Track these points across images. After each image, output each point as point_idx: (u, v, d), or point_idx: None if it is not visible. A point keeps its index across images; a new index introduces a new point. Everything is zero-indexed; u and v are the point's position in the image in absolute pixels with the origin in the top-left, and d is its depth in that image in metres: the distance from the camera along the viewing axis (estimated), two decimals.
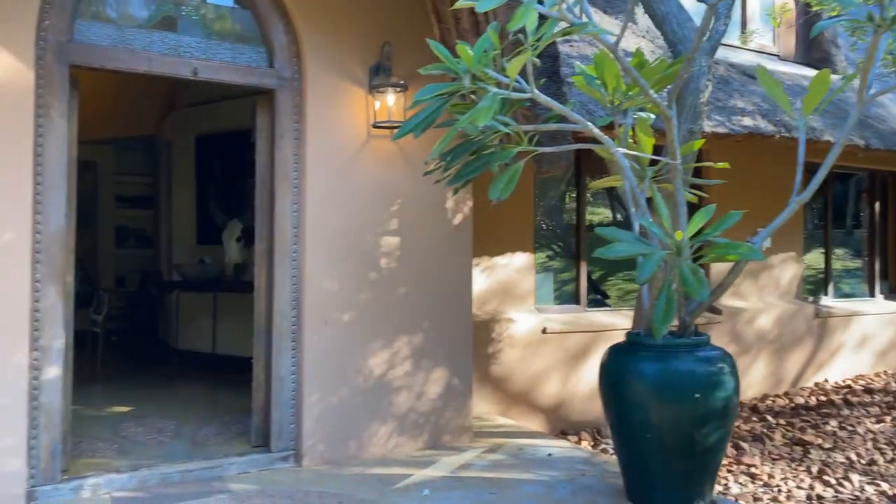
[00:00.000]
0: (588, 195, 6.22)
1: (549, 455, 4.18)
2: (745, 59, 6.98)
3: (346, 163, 4.08)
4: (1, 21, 3.22)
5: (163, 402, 5.19)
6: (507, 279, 5.54)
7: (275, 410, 3.94)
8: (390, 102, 4.05)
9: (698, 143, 3.82)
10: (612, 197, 6.83)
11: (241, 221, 6.22)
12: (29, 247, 3.30)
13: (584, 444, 5.30)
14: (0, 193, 3.23)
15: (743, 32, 7.60)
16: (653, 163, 3.62)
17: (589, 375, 5.84)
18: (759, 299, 6.89)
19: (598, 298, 6.29)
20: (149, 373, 6.50)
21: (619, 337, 5.98)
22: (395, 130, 4.10)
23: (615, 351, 3.38)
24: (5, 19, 3.23)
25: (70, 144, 3.58)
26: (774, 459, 4.83)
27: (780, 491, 4.25)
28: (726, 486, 4.31)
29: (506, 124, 3.22)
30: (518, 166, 3.30)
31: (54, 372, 3.39)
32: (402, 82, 4.03)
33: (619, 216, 7.17)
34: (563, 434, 5.50)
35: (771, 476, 4.48)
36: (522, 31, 2.82)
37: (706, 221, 3.12)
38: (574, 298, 6.04)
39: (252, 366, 4.14)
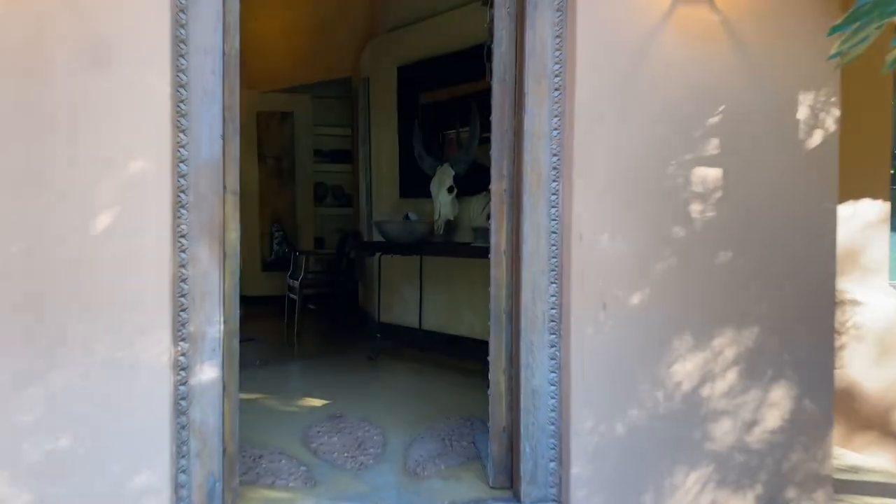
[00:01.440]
0: None
1: None
2: None
3: (635, 48, 2.51)
4: None
5: (363, 397, 4.06)
6: (847, 240, 3.67)
7: (525, 438, 2.55)
8: None
9: None
10: None
11: (454, 167, 4.91)
12: (168, 183, 2.14)
13: None
14: (124, 100, 2.08)
15: None
16: None
17: None
18: None
19: None
20: (348, 350, 5.50)
21: None
22: None
23: None
24: None
25: (228, 28, 2.36)
26: None
27: None
28: None
29: None
30: None
31: (210, 373, 2.25)
32: None
33: None
34: None
35: None
36: None
37: None
38: None
39: (479, 356, 2.79)
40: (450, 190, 4.88)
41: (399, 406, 3.84)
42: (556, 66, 2.51)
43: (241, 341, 2.41)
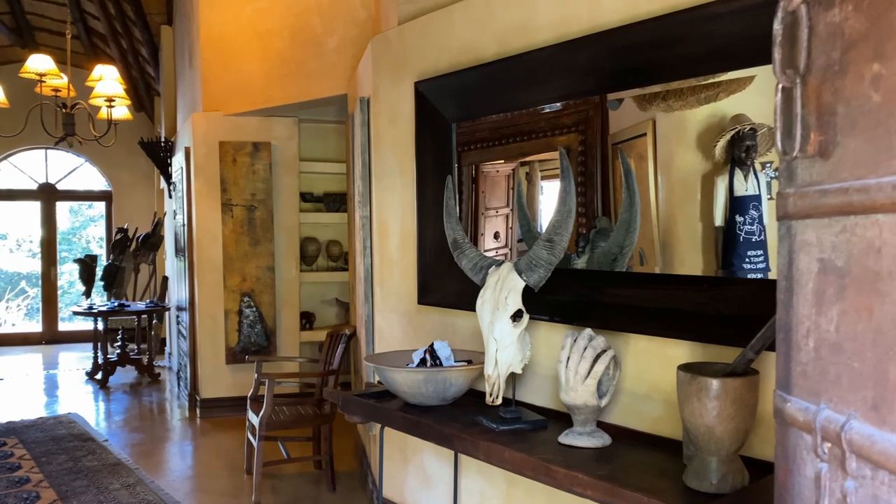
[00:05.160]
0: None
1: None
2: None
3: None
4: None
5: None
6: None
7: None
8: None
9: None
10: None
11: (525, 274, 2.55)
12: None
13: None
14: None
15: None
16: None
17: None
18: None
19: None
20: None
21: None
22: None
23: None
24: None
25: None
26: None
27: None
28: None
29: None
30: None
31: None
32: None
33: None
34: None
35: None
36: None
37: None
38: None
39: None
40: (516, 317, 2.53)
41: None
42: None
43: None
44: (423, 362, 2.88)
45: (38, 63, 4.64)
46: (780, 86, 0.76)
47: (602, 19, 2.48)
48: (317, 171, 6.57)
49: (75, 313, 7.97)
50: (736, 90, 2.23)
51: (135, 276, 8.77)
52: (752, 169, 2.30)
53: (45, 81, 4.81)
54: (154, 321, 8.46)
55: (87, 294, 8.36)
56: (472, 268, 2.72)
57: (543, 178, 3.12)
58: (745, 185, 2.33)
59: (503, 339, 2.53)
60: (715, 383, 1.77)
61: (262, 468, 4.10)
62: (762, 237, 2.28)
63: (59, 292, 11.64)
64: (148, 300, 8.67)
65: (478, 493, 3.11)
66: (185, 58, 7.17)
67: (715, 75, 2.24)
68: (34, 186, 11.17)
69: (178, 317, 7.33)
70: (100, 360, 7.82)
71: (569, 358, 2.37)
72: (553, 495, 2.77)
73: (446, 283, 3.22)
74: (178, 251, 7.09)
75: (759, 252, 2.29)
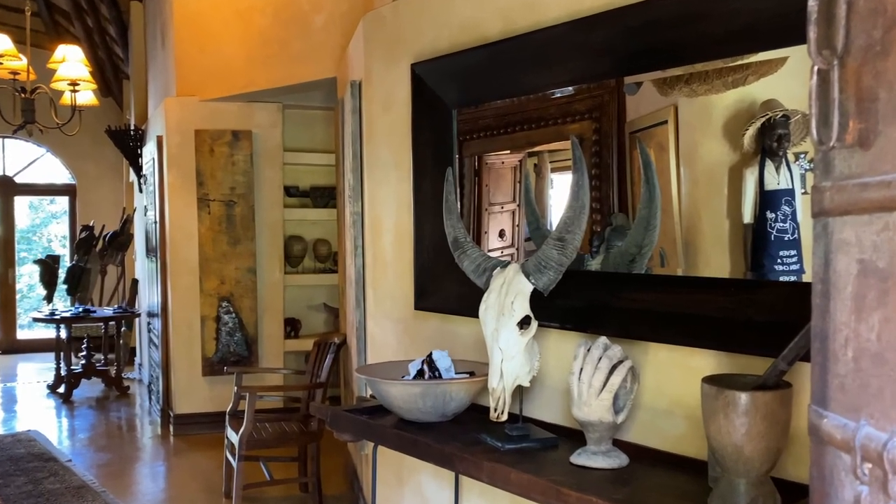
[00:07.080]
0: None
1: None
2: None
3: None
4: None
5: None
6: None
7: None
8: None
9: None
10: None
11: (533, 276, 2.55)
12: None
13: None
14: None
15: None
16: None
17: None
18: None
19: None
20: None
21: None
22: None
23: None
24: None
25: None
26: None
27: None
28: None
29: None
30: None
31: None
32: None
33: None
34: None
35: None
36: None
37: None
38: None
39: None
40: (523, 324, 2.54)
41: None
42: None
43: None
44: (420, 374, 2.90)
45: None
46: (816, 68, 0.77)
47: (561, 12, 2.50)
48: (303, 162, 6.62)
49: (35, 320, 8.00)
50: (766, 73, 2.24)
51: (101, 279, 8.81)
52: (784, 160, 2.30)
53: (2, 63, 4.84)
54: (123, 328, 8.51)
55: (49, 298, 8.39)
56: (474, 269, 2.73)
57: (554, 170, 3.13)
58: (776, 178, 2.34)
59: (509, 349, 2.53)
60: (744, 397, 1.77)
61: (243, 491, 4.13)
62: (795, 236, 2.28)
63: (18, 297, 11.68)
64: (116, 305, 8.71)
65: None
66: (157, 37, 7.20)
67: (743, 56, 2.24)
68: None
69: (149, 324, 7.36)
70: (63, 372, 7.85)
71: (582, 369, 2.38)
72: None
73: (446, 286, 3.23)
74: (150, 251, 7.12)
75: (792, 252, 2.30)
